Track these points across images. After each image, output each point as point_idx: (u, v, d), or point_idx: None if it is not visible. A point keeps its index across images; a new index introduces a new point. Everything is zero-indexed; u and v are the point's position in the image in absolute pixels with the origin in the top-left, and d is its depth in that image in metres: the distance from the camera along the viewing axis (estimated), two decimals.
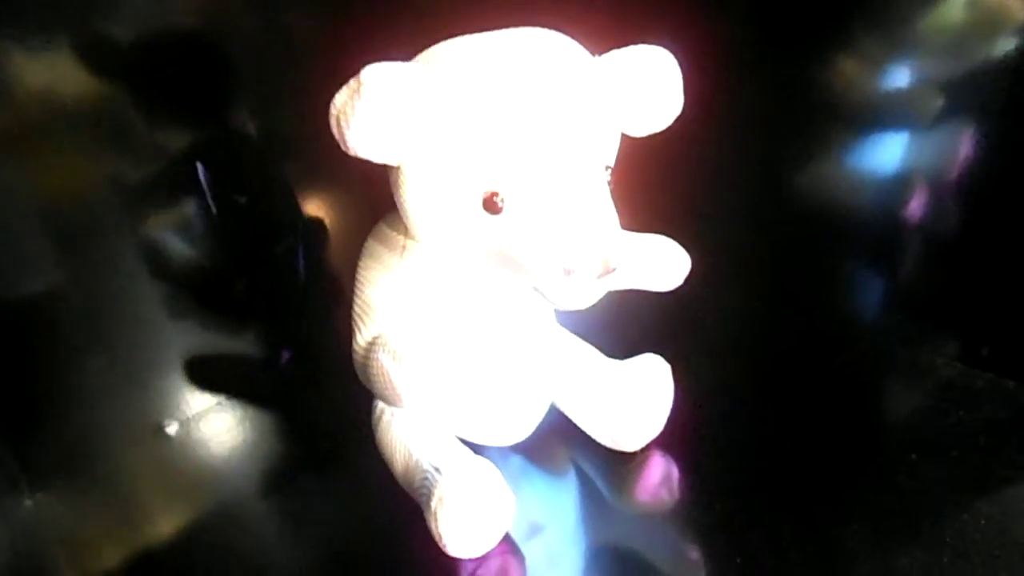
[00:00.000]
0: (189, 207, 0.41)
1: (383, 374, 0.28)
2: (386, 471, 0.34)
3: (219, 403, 0.45)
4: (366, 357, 0.29)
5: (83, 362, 0.39)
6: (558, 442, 0.38)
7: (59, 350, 0.38)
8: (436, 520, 0.29)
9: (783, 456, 0.36)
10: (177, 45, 0.38)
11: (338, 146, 0.25)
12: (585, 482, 0.36)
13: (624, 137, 0.30)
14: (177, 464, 0.41)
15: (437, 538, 0.30)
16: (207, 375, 0.44)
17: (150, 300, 0.41)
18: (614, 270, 0.26)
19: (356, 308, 0.31)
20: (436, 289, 0.31)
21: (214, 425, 0.43)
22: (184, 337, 0.43)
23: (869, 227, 0.45)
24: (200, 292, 0.43)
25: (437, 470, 0.30)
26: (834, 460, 0.35)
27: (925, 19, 0.43)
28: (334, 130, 0.25)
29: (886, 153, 0.47)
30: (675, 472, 0.36)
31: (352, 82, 0.24)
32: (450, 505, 0.29)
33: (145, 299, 0.41)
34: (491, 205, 0.25)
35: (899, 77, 0.43)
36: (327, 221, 0.46)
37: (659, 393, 0.36)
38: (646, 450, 0.37)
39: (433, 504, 0.29)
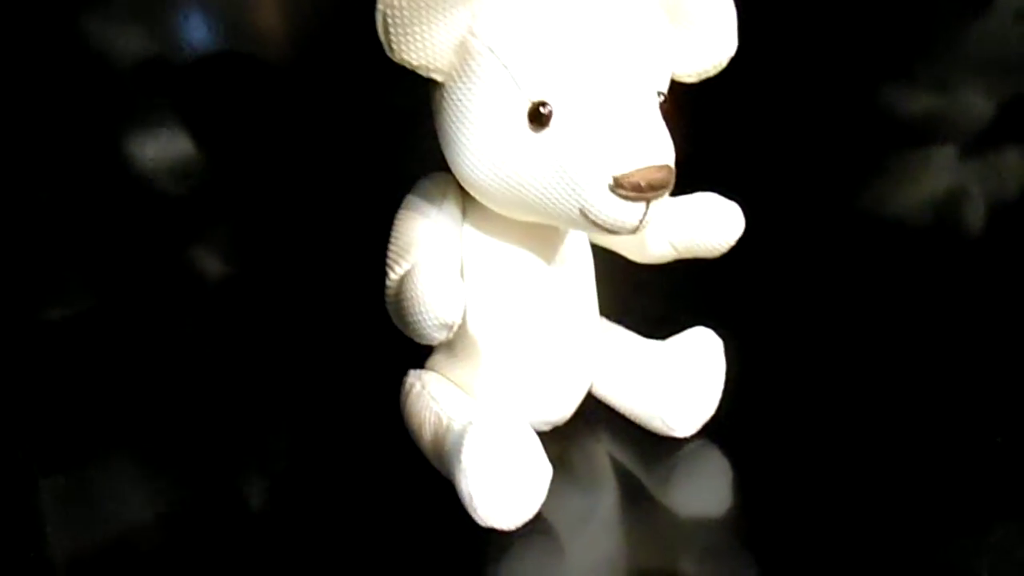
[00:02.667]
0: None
1: (413, 298, 0.26)
2: (414, 474, 0.32)
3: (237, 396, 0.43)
4: (398, 292, 0.28)
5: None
6: (597, 435, 0.35)
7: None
8: (465, 477, 0.26)
9: (849, 442, 0.33)
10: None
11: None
12: (625, 476, 0.33)
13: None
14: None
15: (465, 501, 0.27)
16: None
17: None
18: (667, 186, 0.24)
19: (390, 253, 0.30)
20: (471, 242, 0.30)
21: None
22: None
23: (925, 237, 0.44)
24: (223, 296, 0.43)
25: (469, 423, 0.28)
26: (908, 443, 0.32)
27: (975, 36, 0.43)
28: (380, 32, 0.24)
29: (941, 168, 0.46)
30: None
31: None
32: (479, 456, 0.26)
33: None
34: (537, 116, 0.24)
35: (951, 94, 0.43)
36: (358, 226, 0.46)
37: (711, 370, 0.33)
38: (689, 440, 0.34)
39: (462, 457, 0.26)
